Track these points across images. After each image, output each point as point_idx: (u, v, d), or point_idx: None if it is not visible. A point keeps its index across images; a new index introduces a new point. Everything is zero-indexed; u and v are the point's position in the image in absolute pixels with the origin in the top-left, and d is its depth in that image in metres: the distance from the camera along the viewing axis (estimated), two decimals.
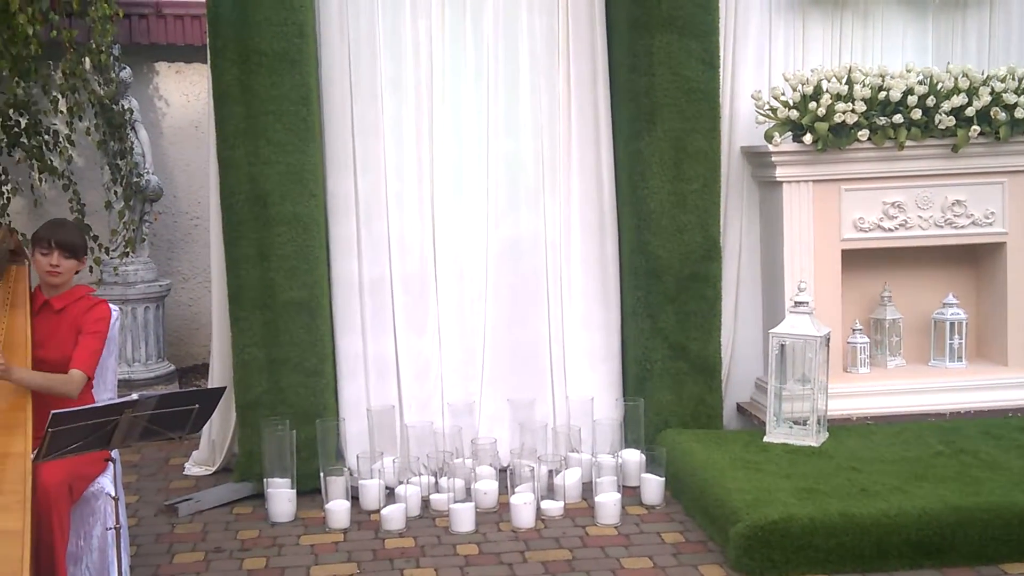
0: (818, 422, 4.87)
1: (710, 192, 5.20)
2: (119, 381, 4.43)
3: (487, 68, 5.32)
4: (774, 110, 5.22)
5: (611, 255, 5.42)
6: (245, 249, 4.94)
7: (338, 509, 4.60)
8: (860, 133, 5.15)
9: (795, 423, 4.93)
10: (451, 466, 4.78)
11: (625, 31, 5.20)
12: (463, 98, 5.34)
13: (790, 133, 5.22)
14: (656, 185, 5.16)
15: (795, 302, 4.95)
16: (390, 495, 4.76)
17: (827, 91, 5.14)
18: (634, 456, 5.00)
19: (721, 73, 5.25)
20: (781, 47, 5.56)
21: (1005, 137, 5.21)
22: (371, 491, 4.74)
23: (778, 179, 5.25)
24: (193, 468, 5.38)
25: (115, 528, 3.50)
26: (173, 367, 6.80)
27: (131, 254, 6.53)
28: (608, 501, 4.57)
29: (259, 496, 4.87)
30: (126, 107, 6.45)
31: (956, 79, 5.21)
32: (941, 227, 5.35)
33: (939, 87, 5.22)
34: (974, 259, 5.61)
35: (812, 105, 5.11)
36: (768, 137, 5.20)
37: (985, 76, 5.28)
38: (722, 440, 4.95)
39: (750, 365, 5.55)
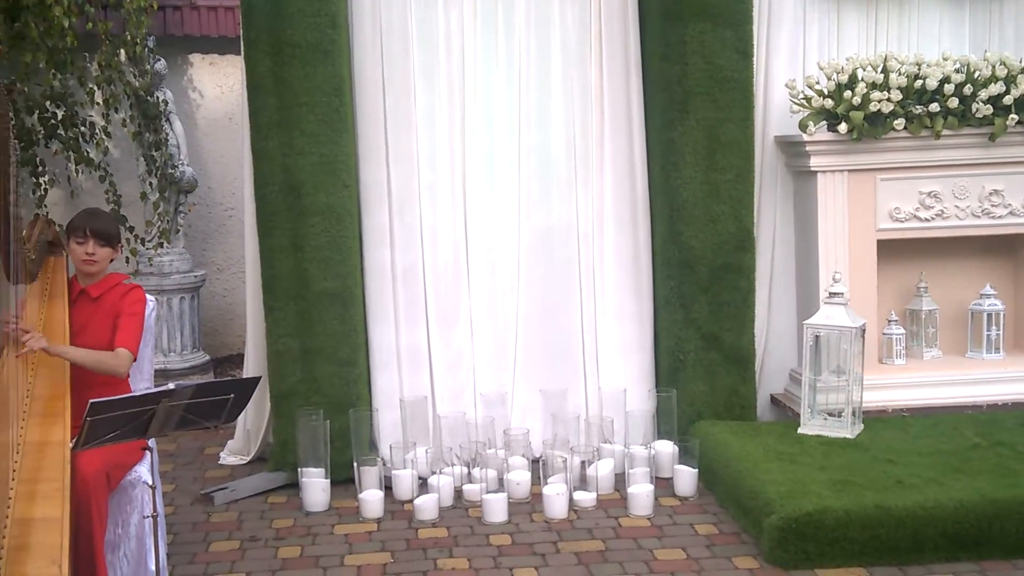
0: (853, 414, 4.84)
1: (744, 182, 5.17)
2: (155, 371, 4.47)
3: (519, 59, 5.31)
4: (809, 99, 5.18)
5: (644, 245, 5.40)
6: (279, 240, 4.97)
7: (372, 499, 4.62)
8: (896, 122, 5.10)
9: (830, 415, 4.89)
10: (484, 456, 4.79)
11: (658, 20, 5.17)
12: (495, 89, 5.33)
13: (825, 122, 5.18)
14: (689, 175, 5.14)
15: (830, 293, 4.91)
16: (423, 485, 4.78)
17: (863, 80, 5.09)
18: (667, 447, 4.98)
19: (755, 62, 5.22)
20: (815, 36, 5.52)
21: None
22: (404, 481, 4.76)
23: (813, 169, 5.21)
24: (228, 457, 5.42)
25: (152, 516, 3.53)
26: (208, 357, 6.85)
27: (166, 245, 6.59)
28: (641, 492, 4.57)
29: (293, 485, 4.90)
30: (161, 99, 6.50)
31: (993, 67, 5.15)
32: (978, 217, 5.30)
33: (976, 75, 5.16)
34: (1012, 249, 5.55)
35: (847, 94, 5.07)
36: (803, 126, 5.16)
37: (1023, 64, 5.20)
38: (756, 431, 4.93)
39: (784, 356, 5.52)
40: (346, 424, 4.92)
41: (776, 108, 5.44)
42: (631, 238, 5.40)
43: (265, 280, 5.02)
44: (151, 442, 3.60)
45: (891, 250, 5.35)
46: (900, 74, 5.10)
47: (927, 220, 5.28)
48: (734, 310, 5.17)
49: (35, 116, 6.14)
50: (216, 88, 7.30)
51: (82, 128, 6.31)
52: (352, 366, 5.03)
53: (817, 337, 4.90)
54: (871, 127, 5.10)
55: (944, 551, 3.96)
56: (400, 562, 4.13)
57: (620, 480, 4.82)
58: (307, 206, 4.94)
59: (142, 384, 3.99)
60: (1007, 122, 5.12)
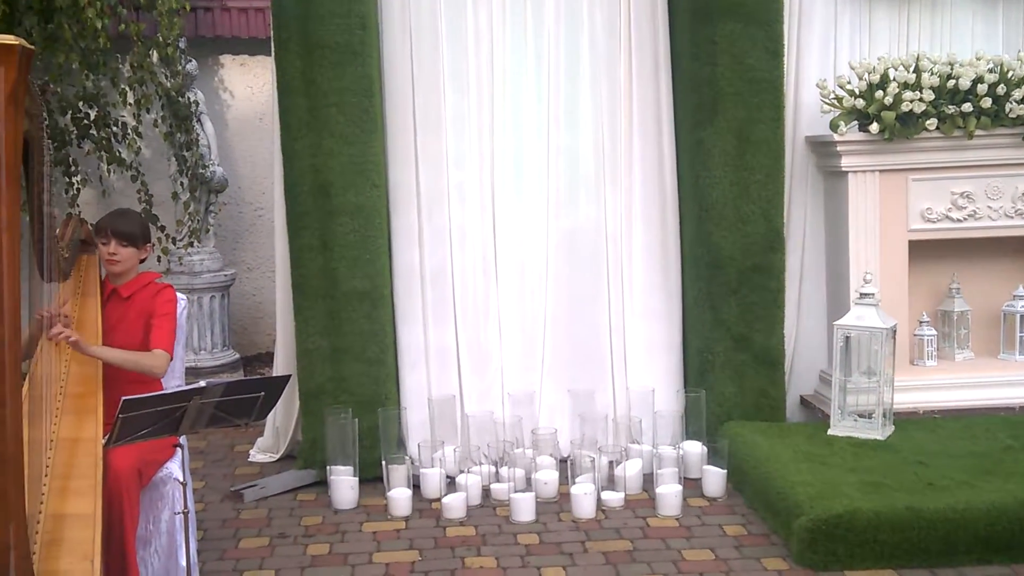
0: (884, 415, 4.80)
1: (774, 182, 5.14)
2: (185, 369, 4.50)
3: (548, 59, 5.32)
4: (840, 99, 5.15)
5: (672, 246, 5.39)
6: (308, 239, 4.99)
7: (400, 497, 4.63)
8: (928, 122, 5.06)
9: (860, 416, 4.86)
10: (511, 456, 4.79)
11: (687, 20, 5.16)
12: (524, 89, 5.34)
13: (856, 122, 5.15)
14: (719, 175, 5.12)
15: (861, 293, 4.88)
16: (451, 484, 4.79)
17: (894, 80, 5.06)
18: (695, 448, 4.97)
19: (785, 61, 5.19)
20: (847, 35, 5.48)
21: None
22: (432, 480, 4.77)
23: (844, 169, 5.18)
24: (258, 455, 5.46)
25: (183, 512, 3.56)
26: (238, 355, 6.90)
27: (197, 244, 6.64)
28: (669, 492, 4.56)
29: (322, 483, 4.92)
30: (192, 99, 6.55)
31: None
32: (1011, 217, 5.25)
33: (1010, 75, 5.11)
34: None
35: (879, 94, 5.04)
36: (834, 126, 5.13)
37: None
38: (785, 433, 4.91)
39: (814, 357, 5.49)
40: (375, 423, 4.94)
41: (807, 108, 5.41)
42: (660, 238, 5.39)
43: (295, 279, 5.05)
44: (182, 439, 3.63)
45: (923, 251, 5.31)
46: (932, 74, 5.06)
47: (959, 220, 5.24)
48: (763, 311, 5.15)
49: (68, 116, 6.20)
50: (246, 89, 7.34)
51: (114, 128, 6.37)
52: (381, 365, 5.05)
53: (848, 338, 4.87)
54: (903, 127, 5.07)
55: (976, 554, 3.92)
56: (428, 560, 4.14)
57: (648, 480, 4.81)
58: (336, 206, 4.96)
59: (173, 382, 4.01)
60: None
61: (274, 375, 5.23)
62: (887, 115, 5.01)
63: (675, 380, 5.37)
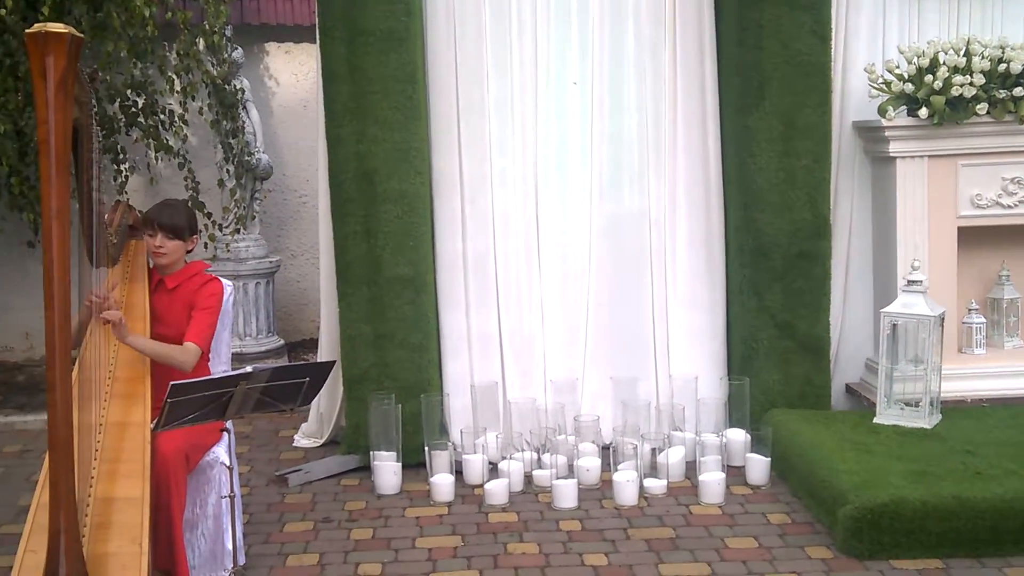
0: (931, 404, 4.75)
1: (820, 168, 5.09)
2: (231, 355, 4.54)
3: (592, 45, 5.29)
4: (888, 83, 5.08)
5: (716, 233, 5.36)
6: (352, 226, 5.02)
7: (442, 483, 4.66)
8: (979, 107, 4.98)
9: (907, 404, 4.81)
10: (554, 443, 4.79)
11: (733, 4, 5.11)
12: (568, 75, 5.32)
13: (905, 107, 5.08)
14: (764, 161, 5.08)
15: (908, 281, 4.82)
16: (493, 470, 4.80)
17: (944, 63, 4.98)
18: (739, 436, 4.94)
19: (833, 46, 5.13)
20: (896, 19, 5.40)
21: None
22: (475, 466, 4.79)
23: (892, 154, 5.11)
24: (302, 440, 5.50)
25: (229, 496, 3.60)
26: (282, 341, 6.96)
27: (242, 231, 6.69)
28: (712, 480, 4.54)
29: (365, 468, 4.96)
30: (238, 87, 6.59)
31: None
32: None
33: None
34: None
35: (928, 78, 4.96)
36: (882, 111, 5.07)
37: None
38: (830, 421, 4.86)
39: (859, 345, 5.44)
40: (417, 409, 4.97)
41: (854, 93, 5.34)
42: (704, 225, 5.36)
43: (338, 266, 5.08)
44: (228, 424, 3.67)
45: (972, 237, 5.23)
46: (983, 58, 4.98)
47: (1010, 207, 5.16)
48: (809, 298, 5.11)
49: (116, 104, 6.28)
50: (291, 76, 7.38)
51: (161, 116, 6.43)
52: (424, 351, 5.07)
53: (895, 325, 4.81)
54: (952, 112, 4.99)
55: None
56: (470, 545, 4.16)
57: (691, 468, 4.79)
58: (380, 193, 4.98)
59: (220, 367, 4.06)
60: None
61: (319, 361, 5.27)
62: (936, 100, 4.94)
63: (719, 368, 5.34)
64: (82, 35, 3.13)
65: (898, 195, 5.11)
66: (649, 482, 4.63)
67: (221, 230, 6.62)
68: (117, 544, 3.26)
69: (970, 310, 5.31)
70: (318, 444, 5.44)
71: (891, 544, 3.89)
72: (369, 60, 4.92)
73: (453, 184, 5.26)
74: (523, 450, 4.87)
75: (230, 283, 4.05)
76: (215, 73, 6.40)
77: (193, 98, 6.35)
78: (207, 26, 6.23)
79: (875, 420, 4.82)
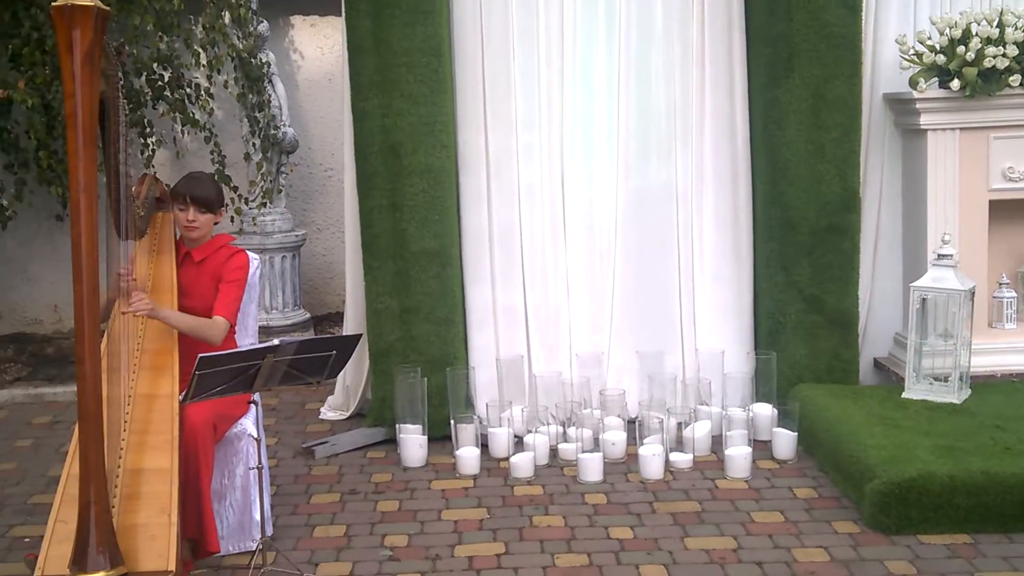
0: (960, 378, 4.71)
1: (850, 141, 5.04)
2: (258, 328, 4.56)
3: (619, 16, 5.24)
4: (919, 55, 5.01)
5: (744, 206, 5.32)
6: (378, 200, 5.01)
7: (468, 456, 4.67)
8: (1011, 78, 4.91)
9: (936, 379, 4.77)
10: (579, 416, 4.79)
11: None
12: (594, 47, 5.28)
13: (936, 79, 5.01)
14: (793, 134, 5.03)
15: (939, 255, 4.77)
16: (519, 443, 4.81)
17: (977, 34, 4.90)
18: (765, 410, 4.92)
19: (863, 17, 5.06)
20: None
21: None
22: (500, 439, 4.80)
23: (923, 127, 5.05)
24: (328, 413, 5.53)
25: (257, 468, 3.63)
26: (308, 315, 6.98)
27: (268, 205, 6.71)
28: (738, 454, 4.53)
29: (391, 441, 4.98)
30: (264, 60, 6.59)
31: None
32: None
33: None
34: None
35: (960, 49, 4.89)
36: (913, 83, 5.00)
37: None
38: (858, 395, 4.84)
39: (888, 319, 5.39)
40: (443, 382, 4.97)
41: (885, 65, 5.27)
42: (731, 198, 5.32)
43: (364, 240, 5.08)
44: (256, 396, 3.69)
45: (1004, 210, 5.17)
46: (1017, 28, 4.90)
47: None
48: (837, 272, 5.07)
49: (143, 78, 6.29)
50: (316, 50, 7.37)
51: (188, 90, 6.44)
52: (449, 325, 5.08)
53: (924, 300, 4.77)
54: (985, 84, 4.92)
55: None
56: (496, 518, 4.17)
57: (717, 442, 4.78)
58: (406, 166, 4.97)
59: (247, 340, 4.08)
60: None
61: (345, 334, 5.29)
62: (969, 71, 4.87)
63: (745, 342, 5.32)
64: (108, 8, 3.13)
65: (929, 168, 5.06)
66: (675, 456, 4.63)
67: (247, 204, 6.64)
68: (146, 515, 3.30)
69: (1001, 284, 5.25)
70: (344, 417, 5.47)
71: (919, 519, 3.87)
72: (395, 33, 4.90)
73: (479, 157, 5.24)
74: (548, 424, 4.87)
75: (256, 256, 4.06)
76: (241, 46, 6.40)
77: (219, 71, 6.36)
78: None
79: (903, 395, 4.79)
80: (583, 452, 4.57)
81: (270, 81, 6.65)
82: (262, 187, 6.67)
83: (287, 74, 7.18)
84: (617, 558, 3.78)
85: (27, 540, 4.03)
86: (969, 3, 5.28)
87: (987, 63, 4.86)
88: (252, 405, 3.77)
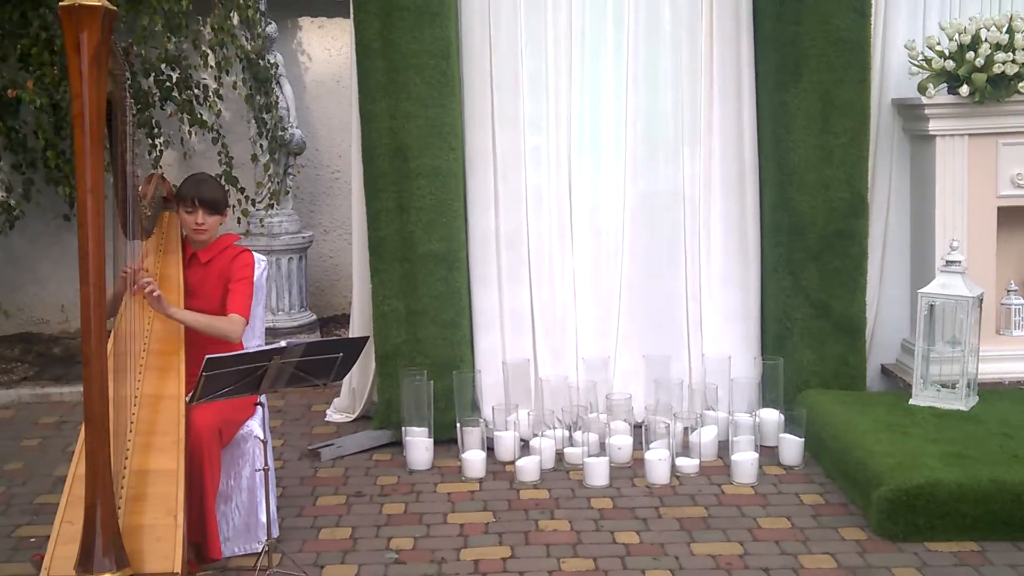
0: (968, 385, 4.69)
1: (858, 146, 5.03)
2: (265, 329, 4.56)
3: (627, 19, 5.23)
4: (929, 60, 5.00)
5: (751, 211, 5.31)
6: (385, 202, 5.01)
7: (474, 459, 4.66)
8: (1021, 85, 4.89)
9: (943, 386, 4.76)
10: (585, 420, 4.78)
11: None
12: (602, 51, 5.27)
13: (945, 85, 5.00)
14: (801, 138, 5.02)
15: (947, 261, 4.76)
16: (525, 447, 4.80)
17: (986, 40, 4.89)
18: (772, 416, 4.91)
19: (872, 22, 5.05)
20: None
21: None
22: (506, 443, 4.79)
23: (931, 133, 5.04)
24: (334, 415, 5.53)
25: (263, 470, 3.63)
26: (315, 316, 6.98)
27: (275, 206, 6.70)
28: (745, 460, 4.51)
29: (397, 444, 4.97)
30: (271, 62, 6.58)
31: None
32: None
33: None
34: None
35: (970, 55, 4.88)
36: (922, 89, 4.99)
37: None
38: (865, 402, 4.82)
39: (896, 325, 5.37)
40: (449, 385, 4.97)
41: (894, 70, 5.26)
42: (738, 203, 5.31)
43: (371, 242, 5.07)
44: (262, 398, 3.69)
45: (1012, 217, 5.15)
46: None
47: None
48: (845, 277, 5.06)
49: (151, 78, 6.30)
50: (324, 51, 7.37)
51: (196, 91, 6.44)
52: (456, 328, 5.07)
53: (932, 306, 4.75)
54: (994, 90, 4.91)
55: None
56: (502, 522, 4.16)
57: (723, 448, 4.77)
58: (413, 169, 4.97)
59: (254, 342, 4.07)
60: None
61: (352, 336, 5.29)
62: (978, 77, 4.86)
63: (752, 347, 5.31)
64: (116, 8, 3.13)
65: (937, 174, 5.04)
66: (681, 461, 4.62)
67: (254, 205, 6.64)
68: (152, 516, 3.30)
69: (1009, 291, 5.23)
70: (350, 419, 5.46)
71: (926, 526, 3.86)
72: (403, 35, 4.90)
73: (486, 160, 5.24)
74: (554, 427, 4.86)
75: (263, 258, 4.06)
76: (249, 48, 6.40)
77: (227, 72, 6.35)
78: (241, 0, 6.21)
79: (911, 402, 4.77)
80: (589, 456, 4.56)
81: (278, 82, 6.64)
82: (269, 188, 6.67)
83: (295, 76, 7.18)
84: (623, 563, 3.77)
85: (33, 540, 4.03)
86: (978, 9, 5.27)
87: (996, 69, 4.85)
88: (258, 407, 3.77)
